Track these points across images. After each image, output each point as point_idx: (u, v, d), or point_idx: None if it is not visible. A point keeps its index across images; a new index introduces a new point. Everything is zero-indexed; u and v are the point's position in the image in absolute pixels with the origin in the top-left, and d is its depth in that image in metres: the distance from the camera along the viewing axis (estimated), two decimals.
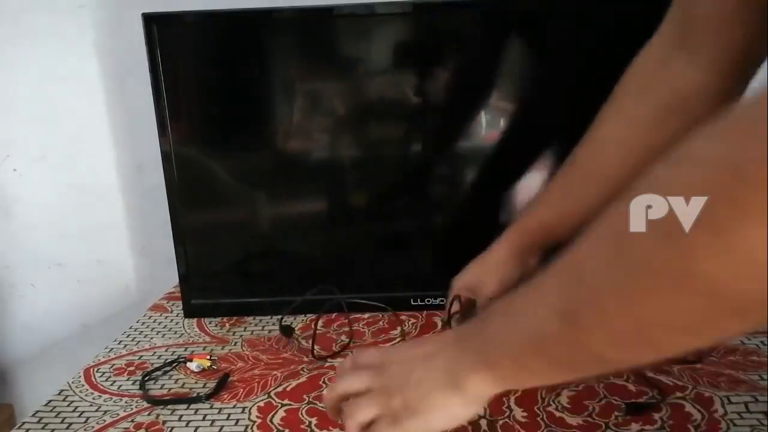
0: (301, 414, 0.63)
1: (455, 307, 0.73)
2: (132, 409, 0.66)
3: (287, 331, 0.81)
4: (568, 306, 0.36)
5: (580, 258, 0.37)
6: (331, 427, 0.60)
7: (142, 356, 0.78)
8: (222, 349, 0.80)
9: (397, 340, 0.80)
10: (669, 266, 0.31)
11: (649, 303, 0.32)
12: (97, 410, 0.66)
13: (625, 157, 0.60)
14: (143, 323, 0.89)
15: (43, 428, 0.63)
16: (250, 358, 0.77)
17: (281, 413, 0.64)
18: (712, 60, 0.54)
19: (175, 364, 0.75)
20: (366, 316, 0.87)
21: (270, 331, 0.84)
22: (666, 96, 0.57)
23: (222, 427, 0.62)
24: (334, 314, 0.88)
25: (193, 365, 0.73)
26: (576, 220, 0.62)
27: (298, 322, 0.87)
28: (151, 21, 0.79)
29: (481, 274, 0.71)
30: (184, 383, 0.71)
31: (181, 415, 0.64)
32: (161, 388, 0.70)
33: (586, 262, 0.36)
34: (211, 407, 0.66)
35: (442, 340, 0.49)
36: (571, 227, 0.62)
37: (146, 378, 0.72)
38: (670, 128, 0.56)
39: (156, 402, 0.67)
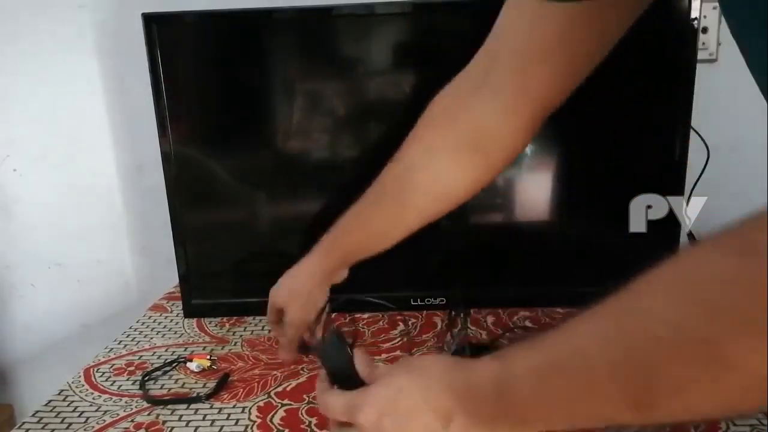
0: (301, 414, 0.63)
1: (273, 318, 0.72)
2: (132, 409, 0.66)
3: (305, 349, 0.75)
4: (642, 399, 0.35)
5: (639, 352, 0.35)
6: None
7: (142, 356, 0.78)
8: (222, 349, 0.80)
9: (397, 340, 0.80)
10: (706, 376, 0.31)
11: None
12: (97, 410, 0.66)
13: (428, 185, 0.62)
14: (143, 323, 0.89)
15: (43, 428, 0.63)
16: (250, 358, 0.77)
17: (281, 413, 0.64)
18: (510, 101, 0.57)
19: (175, 364, 0.75)
20: (366, 316, 0.87)
21: (270, 330, 0.84)
22: (465, 132, 0.59)
23: (222, 427, 0.62)
24: (334, 314, 0.88)
25: (193, 365, 0.73)
26: (386, 241, 0.66)
27: None
28: (151, 21, 0.79)
29: (290, 292, 0.70)
30: (184, 383, 0.71)
31: (181, 415, 0.64)
32: (161, 388, 0.70)
33: (651, 356, 0.35)
34: (211, 407, 0.66)
35: (453, 396, 0.43)
36: (381, 247, 0.66)
37: (146, 378, 0.72)
38: (469, 162, 0.61)
39: (156, 402, 0.67)
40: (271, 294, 0.71)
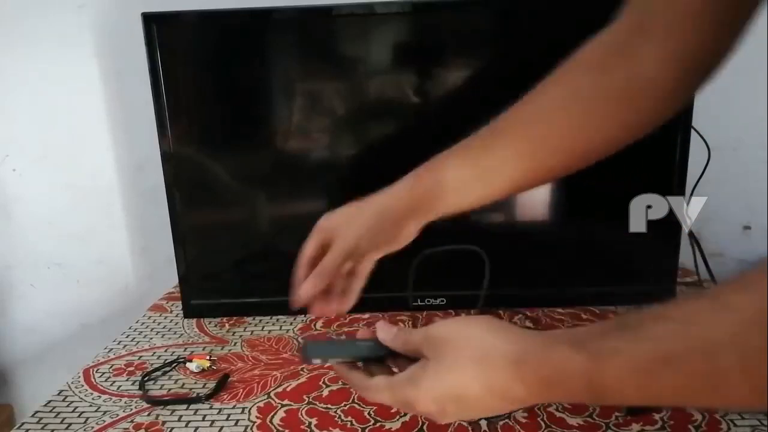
0: (301, 414, 0.63)
1: (310, 250, 0.60)
2: (131, 409, 0.66)
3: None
4: None
5: None
6: (330, 428, 0.60)
7: (141, 356, 0.78)
8: (222, 349, 0.80)
9: None
10: None
11: None
12: (96, 410, 0.66)
13: (561, 133, 0.54)
14: (143, 323, 0.89)
15: (42, 428, 0.63)
16: (250, 358, 0.77)
17: (281, 413, 0.64)
18: (671, 52, 0.52)
19: (175, 364, 0.75)
20: (366, 316, 0.87)
21: (270, 331, 0.84)
22: (621, 79, 0.53)
23: (222, 427, 0.62)
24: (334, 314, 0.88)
25: (192, 365, 0.73)
26: (490, 187, 0.55)
27: (298, 322, 0.87)
28: (151, 21, 0.79)
29: (351, 219, 0.58)
30: (183, 384, 0.71)
31: (181, 416, 0.64)
32: (161, 388, 0.70)
33: None
34: (211, 408, 0.66)
35: (526, 389, 0.41)
36: (483, 193, 0.55)
37: (146, 378, 0.71)
38: (618, 111, 0.54)
39: (155, 402, 0.67)
40: (322, 223, 0.59)
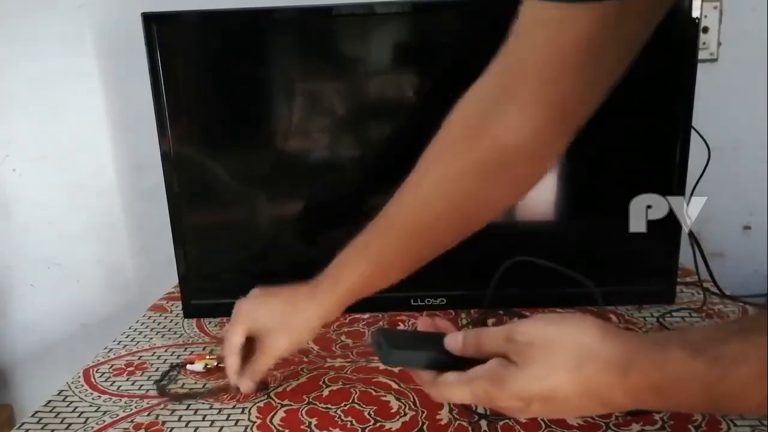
0: (301, 414, 0.63)
1: (237, 339, 0.63)
2: (131, 409, 0.66)
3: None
4: None
5: None
6: (330, 428, 0.60)
7: (141, 356, 0.78)
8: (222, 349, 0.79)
9: None
10: None
11: None
12: (96, 410, 0.66)
13: (449, 212, 0.58)
14: (143, 323, 0.89)
15: (42, 428, 0.63)
16: None
17: (281, 414, 0.64)
18: (537, 114, 0.53)
19: (188, 363, 0.74)
20: (366, 316, 0.87)
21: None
22: (489, 151, 0.55)
23: (222, 427, 0.62)
24: None
25: (199, 366, 0.73)
26: (397, 275, 0.62)
27: None
28: (151, 21, 0.79)
29: (280, 326, 0.63)
30: (183, 384, 0.71)
31: (181, 416, 0.64)
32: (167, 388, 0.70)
33: None
34: (211, 408, 0.65)
35: (630, 397, 0.40)
36: (390, 282, 0.62)
37: (163, 379, 0.71)
38: (494, 182, 0.56)
39: (177, 398, 0.67)
40: (243, 316, 0.64)
